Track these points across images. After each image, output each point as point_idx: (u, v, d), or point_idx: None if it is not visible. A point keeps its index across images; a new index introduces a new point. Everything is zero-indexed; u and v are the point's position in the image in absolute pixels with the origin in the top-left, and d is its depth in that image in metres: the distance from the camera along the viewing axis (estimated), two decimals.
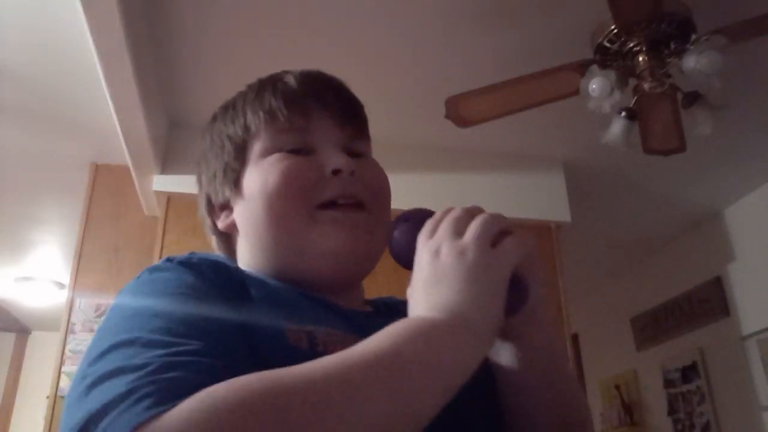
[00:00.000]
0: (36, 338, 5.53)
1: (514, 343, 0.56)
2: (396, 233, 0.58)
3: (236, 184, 0.66)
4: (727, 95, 2.16)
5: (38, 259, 4.04)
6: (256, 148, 0.64)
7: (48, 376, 2.56)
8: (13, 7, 1.99)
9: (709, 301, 3.46)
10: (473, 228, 0.51)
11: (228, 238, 0.72)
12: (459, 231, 0.51)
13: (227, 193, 0.67)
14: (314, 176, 0.61)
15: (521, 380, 0.57)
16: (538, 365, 0.56)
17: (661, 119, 2.11)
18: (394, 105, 2.51)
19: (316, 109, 0.64)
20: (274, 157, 0.62)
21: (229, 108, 0.72)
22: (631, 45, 1.93)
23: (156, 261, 2.50)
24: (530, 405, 0.58)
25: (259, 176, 0.62)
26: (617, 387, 4.10)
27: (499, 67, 2.20)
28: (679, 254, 3.76)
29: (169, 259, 0.57)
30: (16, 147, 2.78)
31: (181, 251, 2.27)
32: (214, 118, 0.74)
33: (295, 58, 2.26)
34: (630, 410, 3.98)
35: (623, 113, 2.08)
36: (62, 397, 2.49)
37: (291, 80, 0.66)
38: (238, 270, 0.61)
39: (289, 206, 0.60)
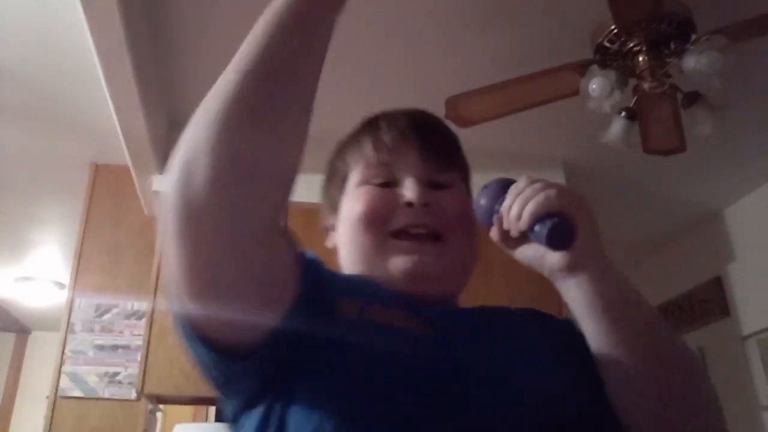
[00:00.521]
0: (36, 338, 5.53)
1: (582, 276, 0.64)
2: (478, 199, 0.68)
3: (337, 208, 0.76)
4: (727, 95, 2.16)
5: (38, 259, 4.04)
6: (352, 179, 0.74)
7: (48, 376, 2.56)
8: (13, 8, 2.00)
9: (709, 301, 3.46)
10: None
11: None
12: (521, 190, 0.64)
13: (332, 217, 0.78)
14: (391, 207, 0.69)
15: (598, 315, 0.62)
16: (607, 299, 0.62)
17: (661, 119, 2.11)
18: (394, 105, 2.50)
19: (401, 146, 0.72)
20: (362, 189, 0.72)
21: (341, 144, 0.81)
22: (631, 45, 1.93)
23: (156, 261, 2.51)
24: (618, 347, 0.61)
25: (349, 205, 0.72)
26: None
27: (499, 67, 2.20)
28: (679, 254, 3.76)
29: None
30: (16, 147, 2.78)
31: None
32: (333, 152, 0.83)
33: None
34: None
35: (623, 113, 2.08)
36: (62, 397, 2.49)
37: (383, 122, 0.76)
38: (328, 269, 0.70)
39: (366, 232, 0.69)
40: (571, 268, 0.64)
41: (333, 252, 0.79)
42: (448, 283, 0.70)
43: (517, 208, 0.62)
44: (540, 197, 0.61)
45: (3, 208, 3.36)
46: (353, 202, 0.71)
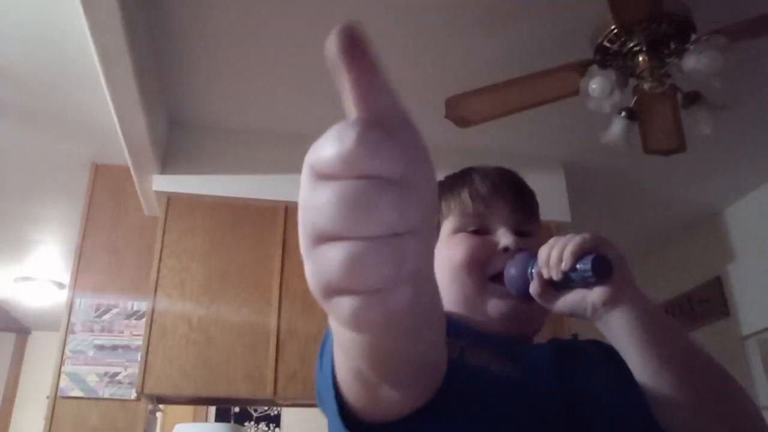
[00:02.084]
0: (36, 338, 5.53)
1: (624, 307, 0.68)
2: (508, 270, 0.75)
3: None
4: (727, 95, 2.16)
5: (38, 259, 4.04)
6: (447, 227, 0.81)
7: (48, 376, 2.56)
8: (14, 8, 2.00)
9: (709, 301, 3.46)
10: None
11: None
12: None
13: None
14: (489, 253, 0.77)
15: (642, 343, 0.67)
16: (649, 326, 0.67)
17: (661, 119, 2.11)
18: None
19: (494, 199, 0.81)
20: (459, 236, 0.79)
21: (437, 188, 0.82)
22: (631, 45, 1.93)
23: (156, 261, 2.52)
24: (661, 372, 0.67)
25: (447, 250, 0.79)
26: None
27: (499, 67, 2.20)
28: (679, 254, 3.76)
29: None
30: (16, 147, 2.78)
31: (181, 251, 2.30)
32: None
33: (295, 59, 2.26)
34: None
35: (623, 113, 2.08)
36: (62, 397, 2.49)
37: (477, 175, 0.85)
38: None
39: (469, 276, 0.76)
40: (614, 300, 0.69)
41: None
42: (535, 324, 0.78)
43: (557, 252, 0.71)
44: (576, 240, 0.71)
45: (3, 208, 3.36)
46: (453, 248, 0.78)
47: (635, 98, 2.04)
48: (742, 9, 1.92)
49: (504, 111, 2.14)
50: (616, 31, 1.93)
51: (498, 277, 0.76)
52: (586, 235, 0.71)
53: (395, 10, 2.05)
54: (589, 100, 1.94)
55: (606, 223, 3.50)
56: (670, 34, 1.90)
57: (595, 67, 1.97)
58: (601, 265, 0.68)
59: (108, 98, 2.07)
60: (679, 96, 2.05)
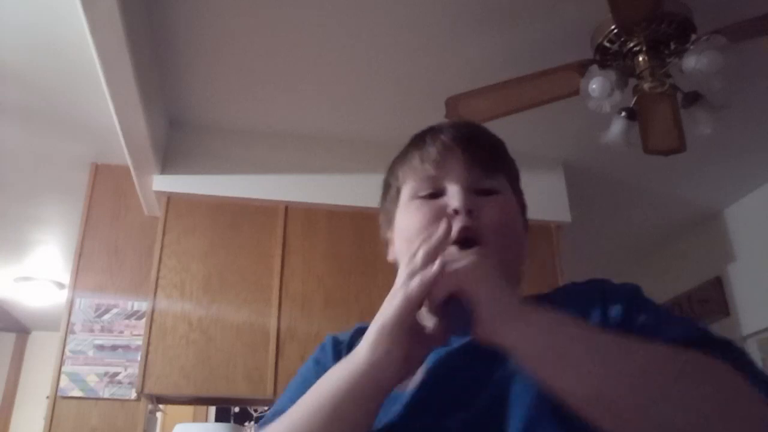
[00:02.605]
0: (36, 338, 5.53)
1: (513, 355, 0.56)
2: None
3: (391, 222, 0.79)
4: (727, 95, 2.16)
5: (38, 259, 4.04)
6: (404, 194, 0.77)
7: (48, 376, 2.56)
8: (14, 8, 2.00)
9: (709, 301, 3.46)
10: (405, 271, 0.60)
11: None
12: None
13: (389, 231, 0.80)
14: (437, 216, 0.71)
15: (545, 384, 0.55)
16: (541, 367, 0.55)
17: (661, 119, 2.11)
18: (394, 105, 2.51)
19: (445, 158, 0.75)
20: (414, 203, 0.75)
21: (393, 161, 0.84)
22: (631, 45, 1.93)
23: (156, 261, 2.52)
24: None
25: (401, 220, 0.76)
26: None
27: (499, 67, 2.20)
28: (679, 254, 3.76)
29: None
30: (17, 147, 2.78)
31: (181, 251, 2.30)
32: (387, 169, 0.86)
33: (295, 59, 2.26)
34: None
35: (623, 113, 2.08)
36: (62, 397, 2.49)
37: (428, 136, 0.79)
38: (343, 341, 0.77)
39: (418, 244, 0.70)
40: (506, 350, 0.56)
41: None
42: None
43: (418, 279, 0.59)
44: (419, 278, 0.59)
45: (3, 208, 3.36)
46: (405, 217, 0.75)
47: (635, 98, 2.04)
48: (742, 9, 1.92)
49: (504, 111, 2.14)
50: (616, 31, 1.93)
51: (454, 243, 0.68)
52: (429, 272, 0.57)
53: (395, 10, 2.05)
54: (589, 100, 1.94)
55: (606, 223, 3.50)
56: (670, 34, 1.90)
57: (595, 67, 1.97)
58: (455, 310, 0.57)
59: (108, 98, 2.07)
60: (679, 96, 2.05)
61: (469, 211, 0.70)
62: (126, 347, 2.58)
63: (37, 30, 2.09)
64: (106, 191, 2.83)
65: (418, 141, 0.80)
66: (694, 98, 2.02)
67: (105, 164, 2.86)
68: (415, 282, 0.57)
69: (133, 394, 2.48)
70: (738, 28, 1.86)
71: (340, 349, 0.75)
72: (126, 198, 2.79)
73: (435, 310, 0.59)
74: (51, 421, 2.46)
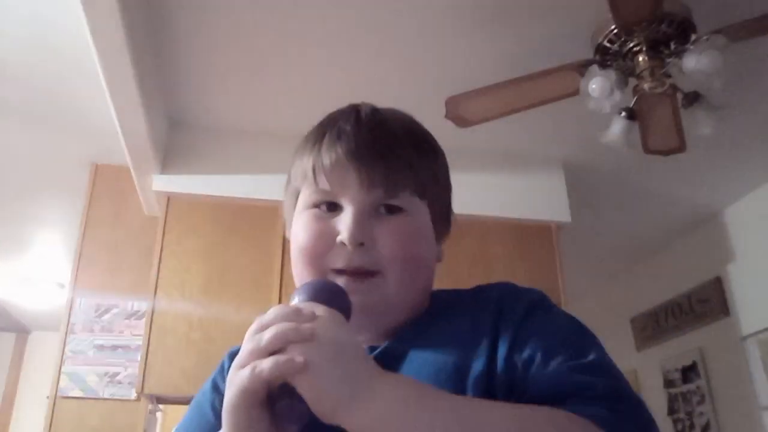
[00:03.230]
0: (36, 338, 5.53)
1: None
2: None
3: (289, 221, 0.72)
4: (727, 95, 2.16)
5: (38, 259, 4.04)
6: (301, 198, 0.69)
7: (48, 376, 2.56)
8: (14, 8, 2.00)
9: (709, 301, 3.46)
10: (242, 354, 0.55)
11: None
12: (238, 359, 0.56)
13: (288, 226, 0.73)
14: (330, 243, 0.64)
15: None
16: None
17: (661, 119, 2.11)
18: (394, 105, 2.50)
19: (340, 173, 0.65)
20: (306, 215, 0.67)
21: (299, 147, 0.74)
22: (631, 45, 1.93)
23: (156, 261, 2.52)
24: None
25: (295, 230, 0.68)
26: None
27: (499, 67, 2.20)
28: (679, 254, 3.76)
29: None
30: (16, 147, 2.79)
31: (181, 251, 2.29)
32: (293, 154, 0.75)
33: (295, 59, 2.26)
34: None
35: (623, 113, 2.08)
36: (62, 397, 2.49)
37: (327, 139, 0.68)
38: None
39: (307, 267, 0.66)
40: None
41: None
42: (390, 315, 0.65)
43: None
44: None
45: (3, 208, 3.36)
46: (297, 227, 0.68)
47: (635, 98, 2.04)
48: (742, 9, 1.92)
49: (504, 111, 2.14)
50: (616, 31, 1.93)
51: (340, 272, 0.64)
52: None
53: (395, 10, 2.05)
54: (589, 100, 1.94)
55: (606, 223, 3.50)
56: (670, 34, 1.90)
57: (595, 67, 1.97)
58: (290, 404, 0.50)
59: (108, 98, 2.07)
60: (679, 96, 2.05)
61: (361, 244, 0.63)
62: (126, 347, 2.58)
63: (37, 30, 2.09)
64: (106, 191, 2.83)
65: (316, 141, 0.70)
66: (694, 98, 2.02)
67: (105, 164, 2.86)
68: (245, 373, 0.50)
69: (133, 394, 2.48)
70: (738, 28, 1.86)
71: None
72: (126, 198, 2.79)
73: (268, 398, 0.51)
74: (51, 421, 2.46)
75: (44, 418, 2.50)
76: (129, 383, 2.51)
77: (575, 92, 2.00)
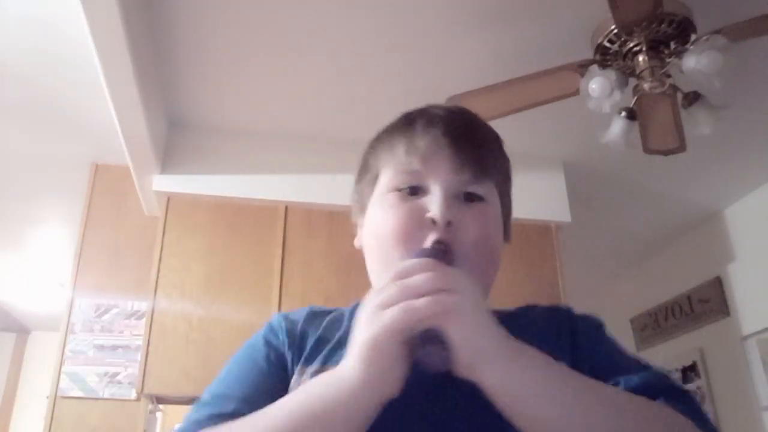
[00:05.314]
0: (36, 338, 5.53)
1: (486, 391, 0.54)
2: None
3: (364, 208, 0.74)
4: (727, 95, 2.16)
5: (38, 259, 4.04)
6: (383, 180, 0.70)
7: (48, 376, 2.56)
8: (14, 8, 2.00)
9: (709, 301, 3.46)
10: (385, 291, 0.54)
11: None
12: (374, 301, 0.54)
13: (360, 215, 0.75)
14: (418, 222, 0.65)
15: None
16: (514, 407, 0.54)
17: (661, 119, 2.11)
18: (394, 105, 2.50)
19: (434, 154, 0.68)
20: (391, 197, 0.68)
21: (376, 138, 0.77)
22: (631, 45, 1.93)
23: (156, 261, 2.52)
24: None
25: (377, 214, 0.69)
26: None
27: (499, 67, 2.20)
28: (679, 254, 3.76)
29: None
30: (17, 147, 2.79)
31: (181, 251, 2.29)
32: (367, 147, 0.78)
33: (295, 59, 2.26)
34: None
35: (623, 113, 2.08)
36: (62, 397, 2.49)
37: (419, 124, 0.70)
38: (298, 322, 0.73)
39: (397, 247, 0.65)
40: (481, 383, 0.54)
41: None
42: None
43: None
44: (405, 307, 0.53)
45: (3, 208, 3.36)
46: (382, 213, 0.68)
47: (635, 98, 2.04)
48: (742, 9, 1.92)
49: (504, 111, 2.14)
50: (616, 31, 1.93)
51: (422, 255, 0.63)
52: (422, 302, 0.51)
53: (395, 10, 2.05)
54: (589, 100, 1.94)
55: (606, 223, 3.50)
56: (670, 34, 1.90)
57: (595, 67, 1.97)
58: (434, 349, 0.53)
59: (108, 98, 2.07)
60: (679, 96, 2.05)
61: (449, 223, 0.64)
62: (126, 347, 2.58)
63: (37, 30, 2.09)
64: (106, 191, 2.83)
65: (407, 126, 0.72)
66: (694, 98, 2.02)
67: (105, 164, 2.86)
68: (396, 312, 0.51)
69: (133, 394, 2.48)
70: (738, 28, 1.86)
71: (294, 333, 0.71)
72: (126, 198, 2.79)
73: (411, 339, 0.53)
74: (51, 421, 2.46)
75: (44, 418, 2.50)
76: (129, 383, 2.51)
77: (575, 92, 2.00)
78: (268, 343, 0.71)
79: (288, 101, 2.52)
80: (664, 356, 3.74)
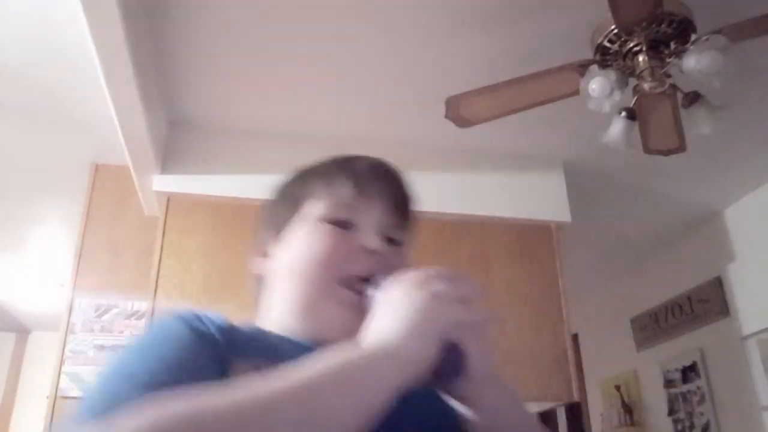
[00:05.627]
0: (36, 338, 5.53)
1: (472, 408, 0.61)
2: (370, 292, 0.65)
3: (280, 235, 0.75)
4: (727, 95, 2.16)
5: (38, 259, 4.04)
6: (312, 211, 0.73)
7: (48, 376, 2.56)
8: (14, 8, 2.00)
9: (709, 301, 3.46)
10: (433, 283, 0.57)
11: (260, 281, 0.79)
12: (418, 282, 0.58)
13: (272, 241, 0.76)
14: (350, 251, 0.70)
15: None
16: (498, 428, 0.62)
17: (661, 119, 2.11)
18: (394, 105, 2.51)
19: (372, 195, 0.74)
20: (323, 227, 0.72)
21: (303, 173, 0.81)
22: (631, 45, 1.93)
23: (156, 261, 2.51)
24: None
25: (308, 239, 0.72)
26: (617, 387, 4.10)
27: (499, 67, 2.20)
28: (679, 254, 3.76)
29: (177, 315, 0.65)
30: (16, 147, 2.79)
31: (181, 251, 2.29)
32: (287, 179, 0.83)
33: (295, 59, 2.26)
34: (630, 410, 3.98)
35: (623, 113, 2.08)
36: (62, 397, 2.49)
37: (361, 165, 0.76)
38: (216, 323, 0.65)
39: (322, 273, 0.70)
40: (465, 399, 0.61)
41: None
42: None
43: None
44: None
45: (3, 208, 3.36)
46: (315, 239, 0.71)
47: (635, 98, 2.04)
48: (742, 9, 1.92)
49: (504, 111, 2.14)
50: (616, 31, 1.93)
51: (349, 281, 0.69)
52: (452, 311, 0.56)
53: (395, 10, 2.05)
54: (589, 100, 1.94)
55: (606, 223, 3.50)
56: (670, 34, 1.90)
57: (595, 67, 1.97)
58: (454, 359, 0.56)
59: (108, 98, 2.07)
60: (679, 96, 2.05)
61: (379, 255, 0.70)
62: None
63: (37, 30, 2.09)
64: (106, 191, 2.82)
65: (346, 166, 0.77)
66: (694, 98, 2.02)
67: (105, 164, 2.86)
68: (443, 308, 0.56)
69: None
70: (738, 28, 1.86)
71: (234, 337, 0.63)
72: (126, 198, 2.79)
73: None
74: (51, 421, 2.46)
75: (44, 418, 2.50)
76: None
77: (575, 92, 2.00)
78: (196, 332, 0.61)
79: (288, 101, 2.52)
80: (664, 356, 3.75)
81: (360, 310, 0.65)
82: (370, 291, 0.65)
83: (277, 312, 0.73)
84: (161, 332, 0.61)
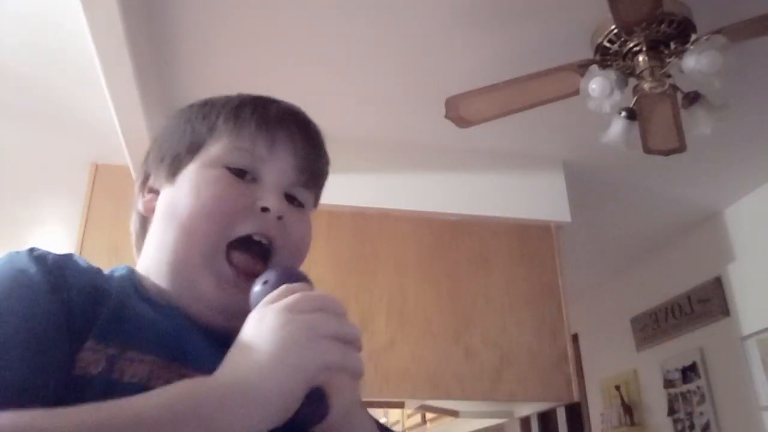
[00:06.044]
0: None
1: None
2: (255, 290, 0.55)
3: (174, 174, 0.65)
4: (727, 95, 2.16)
5: None
6: (211, 151, 0.63)
7: None
8: (13, 8, 2.00)
9: (709, 301, 3.46)
10: (316, 315, 0.49)
11: (144, 221, 0.73)
12: (298, 309, 0.49)
13: (163, 178, 0.66)
14: (242, 205, 0.60)
15: None
16: None
17: (661, 119, 2.11)
18: (394, 105, 2.51)
19: (281, 145, 0.64)
20: (218, 173, 0.61)
21: (207, 105, 0.71)
22: (631, 45, 1.93)
23: None
24: None
25: (196, 183, 0.61)
26: (617, 387, 4.10)
27: (499, 67, 2.20)
28: (679, 254, 3.76)
29: (31, 250, 0.55)
30: (16, 147, 2.78)
31: None
32: (190, 106, 0.72)
33: (295, 59, 2.26)
34: (630, 410, 3.98)
35: (623, 113, 2.08)
36: None
37: (273, 109, 0.68)
38: (101, 280, 0.58)
39: (204, 228, 0.59)
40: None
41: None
42: (241, 323, 0.56)
43: None
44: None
45: (3, 208, 3.36)
46: (202, 184, 0.61)
47: (635, 98, 2.04)
48: (742, 9, 1.92)
49: (504, 111, 2.14)
50: (616, 31, 1.93)
51: (238, 245, 0.59)
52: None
53: (394, 10, 2.05)
54: (589, 100, 1.94)
55: (606, 223, 3.50)
56: (670, 34, 1.90)
57: (595, 67, 1.97)
58: (315, 403, 0.48)
59: (108, 98, 2.07)
60: (679, 96, 2.05)
61: (279, 218, 0.61)
62: None
63: (37, 30, 2.09)
64: (106, 191, 2.82)
65: (258, 106, 0.68)
66: (694, 98, 2.03)
67: (105, 164, 2.85)
68: (322, 346, 0.47)
69: None
70: (738, 28, 1.86)
71: (96, 308, 0.52)
72: (126, 198, 2.78)
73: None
74: None
75: None
76: None
77: (575, 92, 2.00)
78: (55, 291, 0.50)
79: (288, 101, 2.52)
80: (664, 356, 3.75)
81: (238, 289, 0.57)
82: (257, 287, 0.54)
83: (150, 261, 0.65)
84: (9, 279, 0.50)
